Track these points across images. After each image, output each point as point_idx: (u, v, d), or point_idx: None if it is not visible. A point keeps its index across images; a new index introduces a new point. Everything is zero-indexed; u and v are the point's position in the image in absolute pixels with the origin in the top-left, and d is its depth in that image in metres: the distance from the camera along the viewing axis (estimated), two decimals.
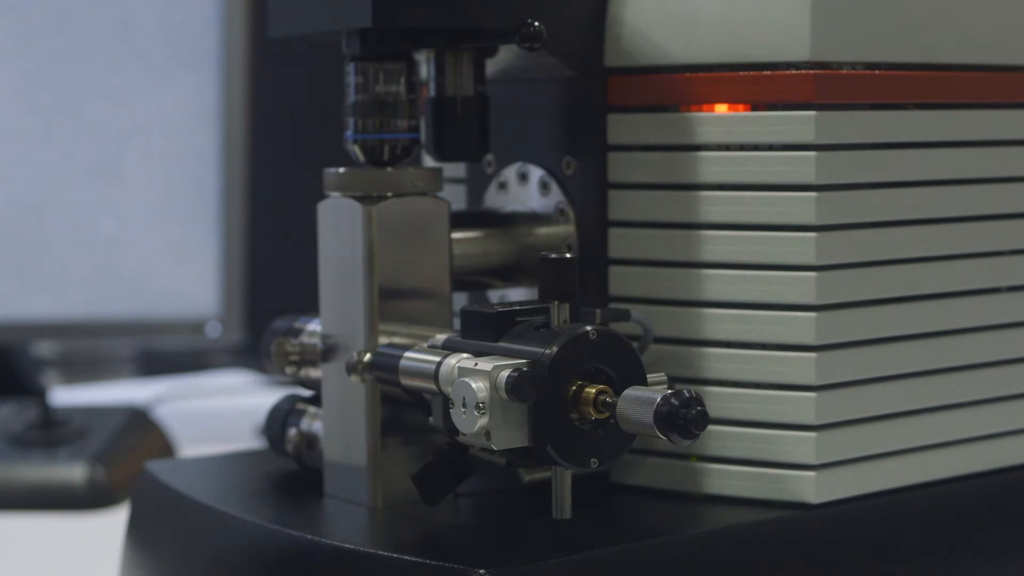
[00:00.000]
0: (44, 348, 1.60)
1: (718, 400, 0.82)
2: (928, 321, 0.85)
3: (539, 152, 0.88)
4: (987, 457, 0.89)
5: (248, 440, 1.33)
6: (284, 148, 1.67)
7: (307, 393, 0.89)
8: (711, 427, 0.81)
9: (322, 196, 0.85)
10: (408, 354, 0.78)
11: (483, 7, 0.81)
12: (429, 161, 0.92)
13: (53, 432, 1.25)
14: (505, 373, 0.71)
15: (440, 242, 0.84)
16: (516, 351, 0.74)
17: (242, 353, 1.60)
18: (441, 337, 0.79)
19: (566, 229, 0.87)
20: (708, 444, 0.83)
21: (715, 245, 0.82)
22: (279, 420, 0.89)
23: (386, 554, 0.75)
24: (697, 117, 0.83)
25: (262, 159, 1.49)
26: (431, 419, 0.79)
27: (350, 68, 0.84)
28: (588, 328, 0.73)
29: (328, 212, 0.84)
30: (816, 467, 0.82)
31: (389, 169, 0.83)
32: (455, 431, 0.74)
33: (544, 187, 0.88)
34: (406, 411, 0.83)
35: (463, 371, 0.73)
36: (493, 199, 0.91)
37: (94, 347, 1.68)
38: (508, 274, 0.88)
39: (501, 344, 0.75)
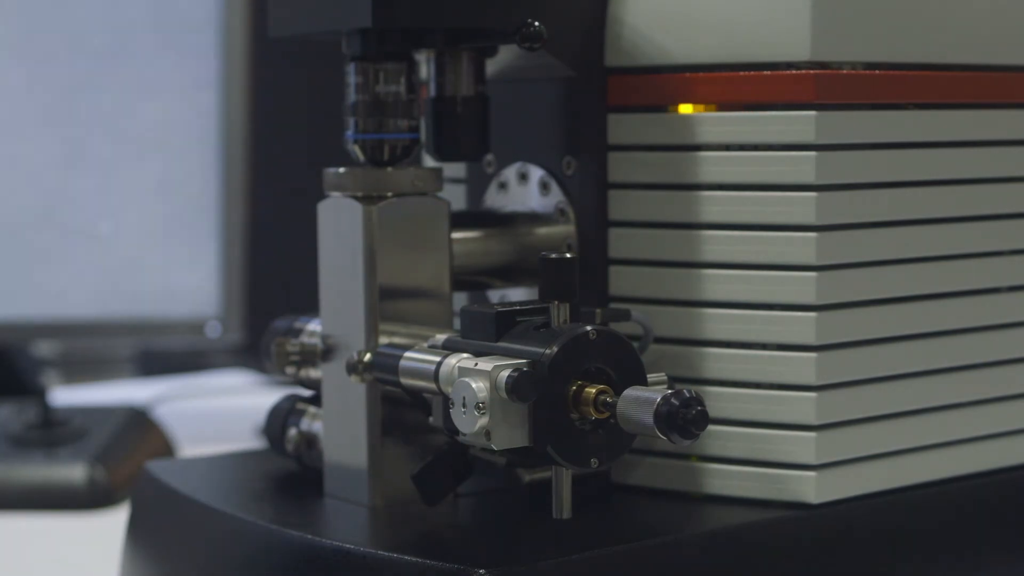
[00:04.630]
0: (44, 348, 1.60)
1: (718, 400, 0.82)
2: (928, 321, 0.85)
3: (539, 152, 0.88)
4: (987, 457, 0.89)
5: (248, 440, 1.33)
6: (284, 148, 1.67)
7: (307, 393, 0.89)
8: (711, 427, 0.80)
9: (322, 196, 0.85)
10: (408, 354, 0.78)
11: (483, 7, 0.81)
12: (429, 161, 0.92)
13: (53, 432, 1.25)
14: (505, 373, 0.71)
15: (440, 242, 0.84)
16: (516, 351, 0.74)
17: (242, 353, 1.60)
18: (441, 337, 0.79)
19: (566, 229, 0.87)
20: (708, 444, 0.83)
21: (715, 245, 0.82)
22: (279, 420, 0.89)
23: (386, 554, 0.75)
24: (697, 117, 0.83)
25: (262, 159, 1.50)
26: (431, 419, 0.79)
27: (350, 68, 0.84)
28: (588, 328, 0.73)
29: (328, 212, 0.84)
30: (816, 467, 0.82)
31: (389, 169, 0.83)
32: (455, 431, 0.74)
33: (544, 187, 0.88)
34: (406, 411, 0.83)
35: (463, 371, 0.73)
36: (493, 199, 0.91)
37: (94, 347, 1.68)
38: (508, 274, 0.88)
39: (501, 344, 0.75)
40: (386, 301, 0.83)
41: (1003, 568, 0.88)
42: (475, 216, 0.90)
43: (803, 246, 0.81)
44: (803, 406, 0.81)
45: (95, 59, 1.40)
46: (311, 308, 0.88)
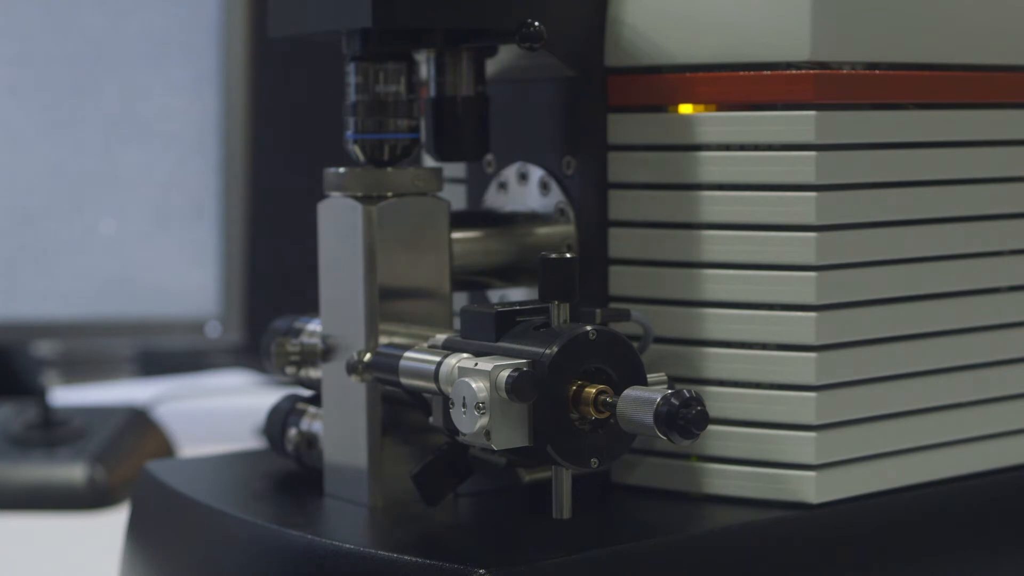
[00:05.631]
0: (44, 348, 1.60)
1: (718, 400, 0.82)
2: (928, 321, 0.85)
3: (539, 152, 0.88)
4: (987, 457, 0.89)
5: (248, 440, 1.33)
6: (284, 148, 1.67)
7: (307, 393, 0.89)
8: (711, 427, 0.81)
9: (322, 196, 0.85)
10: (408, 354, 0.78)
11: (483, 7, 0.81)
12: (429, 161, 0.92)
13: (53, 432, 1.25)
14: (505, 373, 0.71)
15: (440, 242, 0.84)
16: (516, 351, 0.74)
17: (242, 353, 1.60)
18: (441, 337, 0.79)
19: (566, 229, 0.87)
20: (708, 444, 0.83)
21: (715, 245, 0.82)
22: (279, 420, 0.89)
23: (386, 554, 0.75)
24: (697, 117, 0.83)
25: (262, 159, 1.50)
26: (431, 419, 0.79)
27: (350, 68, 0.84)
28: (588, 328, 0.73)
29: (328, 212, 0.84)
30: (816, 467, 0.82)
31: (389, 169, 0.83)
32: (455, 431, 0.74)
33: (544, 187, 0.88)
34: (406, 411, 0.83)
35: (463, 371, 0.73)
36: (493, 199, 0.91)
37: (94, 347, 1.68)
38: (508, 274, 0.88)
39: (501, 344, 0.75)
40: (386, 301, 0.83)
41: (1003, 568, 0.88)
42: (475, 216, 0.90)
43: (803, 246, 0.81)
44: (803, 406, 0.81)
45: (95, 59, 1.40)
46: (311, 308, 0.88)
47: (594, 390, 0.73)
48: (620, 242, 0.85)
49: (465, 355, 0.75)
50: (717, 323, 0.83)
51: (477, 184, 0.92)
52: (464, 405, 0.72)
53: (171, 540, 0.88)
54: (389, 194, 0.83)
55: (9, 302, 1.40)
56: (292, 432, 0.88)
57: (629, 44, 0.84)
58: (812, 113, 0.80)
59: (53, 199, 1.40)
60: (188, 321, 1.42)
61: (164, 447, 1.29)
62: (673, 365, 0.83)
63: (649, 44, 0.84)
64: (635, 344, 0.76)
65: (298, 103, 1.68)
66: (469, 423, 0.72)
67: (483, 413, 0.72)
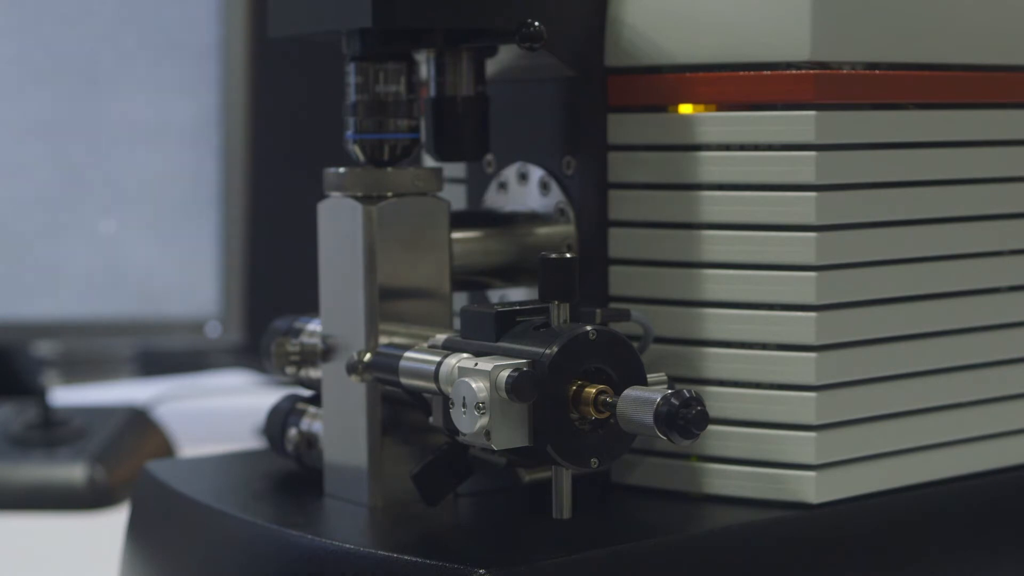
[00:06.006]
0: (44, 348, 1.60)
1: (718, 400, 0.82)
2: (928, 321, 0.85)
3: (539, 152, 0.88)
4: (987, 457, 0.89)
5: (248, 440, 1.33)
6: (284, 148, 1.67)
7: (307, 393, 0.89)
8: (711, 427, 0.81)
9: (322, 196, 0.85)
10: (408, 354, 0.78)
11: (483, 7, 0.81)
12: (429, 161, 0.92)
13: (53, 432, 1.25)
14: (505, 373, 0.71)
15: (440, 242, 0.84)
16: (516, 351, 0.74)
17: (242, 353, 1.60)
18: (441, 337, 0.79)
19: (566, 229, 0.87)
20: (708, 444, 0.83)
21: (715, 245, 0.82)
22: (279, 420, 0.89)
23: (386, 554, 0.75)
24: (697, 117, 0.83)
25: (262, 159, 1.50)
26: (431, 419, 0.79)
27: (350, 68, 0.84)
28: (588, 328, 0.73)
29: (328, 212, 0.84)
30: (816, 467, 0.82)
31: (389, 169, 0.83)
32: (455, 431, 0.74)
33: (544, 187, 0.88)
34: (406, 411, 0.83)
35: (463, 371, 0.73)
36: (493, 199, 0.91)
37: (94, 347, 1.68)
38: (508, 274, 0.88)
39: (501, 344, 0.75)
40: (386, 301, 0.83)
41: (1003, 568, 0.88)
42: (475, 216, 0.90)
43: (803, 246, 0.81)
44: (803, 406, 0.81)
45: (95, 59, 1.40)
46: (311, 308, 0.88)
47: (594, 390, 0.73)
48: (620, 242, 0.85)
49: (465, 355, 0.75)
50: (717, 323, 0.83)
51: (477, 184, 0.92)
52: (464, 405, 0.72)
53: (171, 540, 0.88)
54: (389, 194, 0.83)
55: (9, 302, 1.40)
56: (292, 432, 0.88)
57: (629, 44, 0.84)
58: (812, 113, 0.80)
59: (53, 199, 1.40)
60: (188, 321, 1.42)
61: (164, 447, 1.29)
62: (673, 365, 0.83)
63: (649, 44, 0.84)
64: (635, 344, 0.76)
65: (298, 103, 1.68)
66: (469, 423, 0.72)
67: (483, 413, 0.72)
